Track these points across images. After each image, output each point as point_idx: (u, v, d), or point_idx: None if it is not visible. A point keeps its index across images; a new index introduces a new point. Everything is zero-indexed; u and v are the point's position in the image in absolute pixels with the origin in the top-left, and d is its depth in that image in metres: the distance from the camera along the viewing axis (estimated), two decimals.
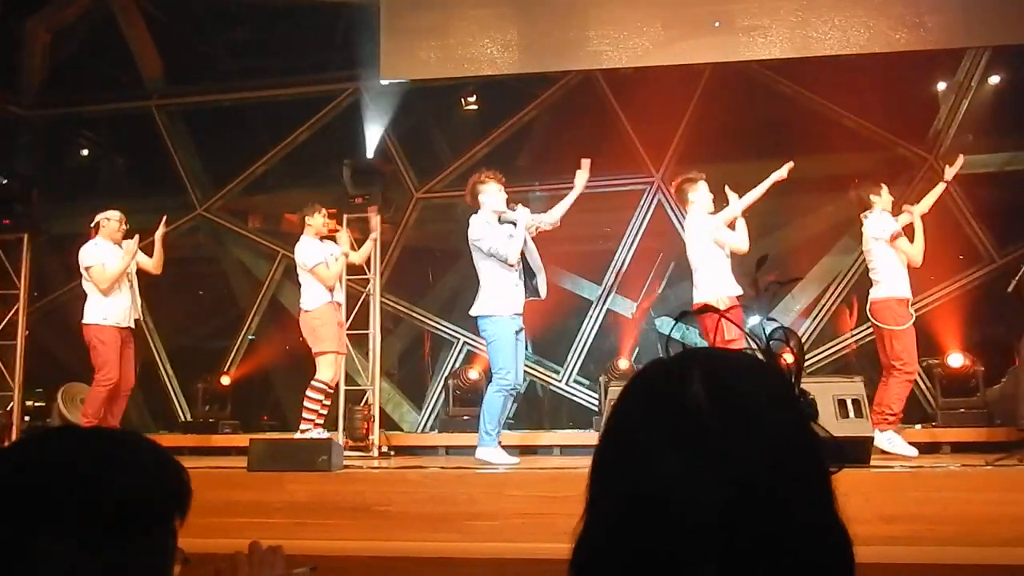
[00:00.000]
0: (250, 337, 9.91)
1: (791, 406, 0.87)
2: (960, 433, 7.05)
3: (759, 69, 8.57)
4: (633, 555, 0.80)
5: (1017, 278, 5.87)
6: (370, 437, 7.85)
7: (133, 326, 6.69)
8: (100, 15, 10.39)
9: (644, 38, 8.21)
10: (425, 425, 9.02)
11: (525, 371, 6.38)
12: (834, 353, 8.49)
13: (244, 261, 10.35)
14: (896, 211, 6.22)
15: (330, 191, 8.65)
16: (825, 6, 7.93)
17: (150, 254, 6.96)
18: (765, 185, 6.10)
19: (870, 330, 6.27)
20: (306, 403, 6.49)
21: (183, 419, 9.42)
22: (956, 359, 7.45)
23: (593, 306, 9.11)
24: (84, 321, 6.51)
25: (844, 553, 0.83)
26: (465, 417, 7.96)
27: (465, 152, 9.51)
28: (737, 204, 6.03)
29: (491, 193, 6.02)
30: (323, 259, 6.59)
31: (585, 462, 0.88)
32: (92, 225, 6.72)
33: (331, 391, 6.71)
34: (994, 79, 8.66)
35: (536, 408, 9.48)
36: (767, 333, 0.91)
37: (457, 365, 9.02)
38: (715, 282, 5.86)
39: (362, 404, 8.05)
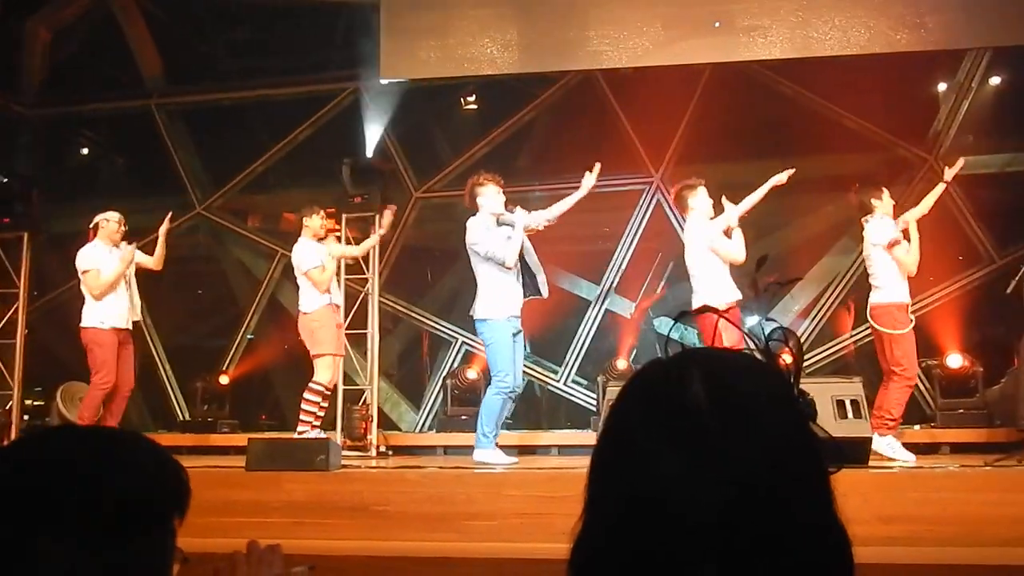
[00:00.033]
0: (249, 336, 9.91)
1: (791, 406, 0.86)
2: (959, 434, 7.05)
3: (759, 69, 8.57)
4: (632, 555, 0.80)
5: (1017, 279, 5.88)
6: (368, 437, 7.86)
7: (131, 328, 6.68)
8: (100, 14, 10.38)
9: (644, 38, 8.21)
10: (423, 425, 9.02)
11: (524, 371, 6.38)
12: (833, 354, 8.49)
13: (243, 260, 10.35)
14: (898, 214, 6.20)
15: (329, 190, 8.66)
16: (825, 6, 7.93)
17: (150, 253, 6.96)
18: (763, 190, 6.10)
19: (869, 331, 6.27)
20: (303, 405, 6.47)
21: (182, 418, 9.42)
22: (955, 360, 7.45)
23: (592, 306, 9.11)
24: (82, 324, 6.50)
25: (843, 553, 0.83)
26: (463, 417, 7.96)
27: (464, 152, 9.51)
28: (734, 211, 6.03)
29: (489, 195, 6.01)
30: (319, 262, 6.56)
31: (583, 462, 0.88)
32: (91, 226, 6.70)
33: (329, 393, 6.70)
34: (995, 80, 8.66)
35: (534, 408, 9.48)
36: (766, 333, 0.91)
37: (455, 365, 9.01)
38: (713, 289, 5.86)
39: (360, 404, 8.06)
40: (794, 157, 8.50)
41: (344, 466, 5.81)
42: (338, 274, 7.39)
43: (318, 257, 6.58)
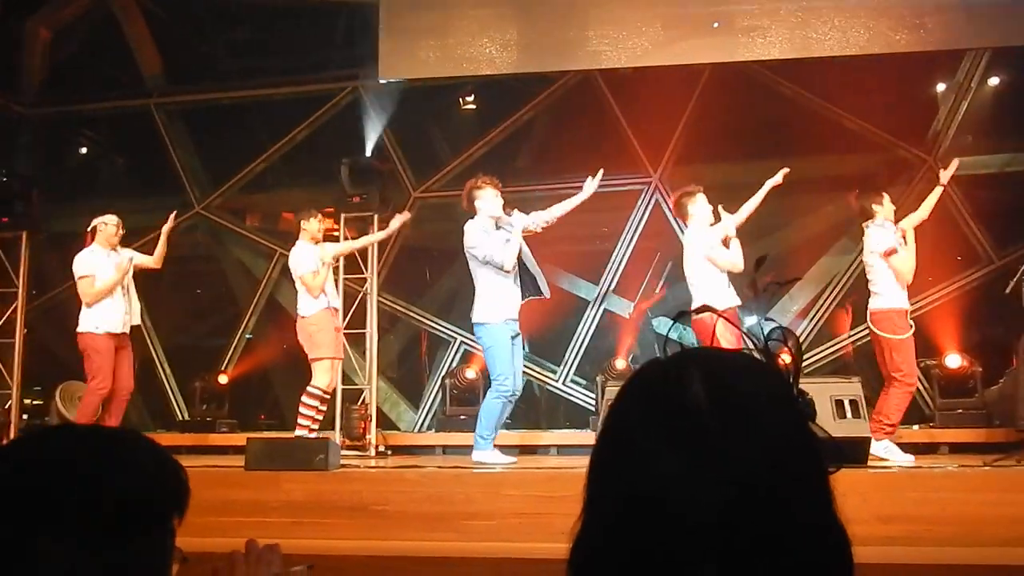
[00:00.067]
0: (248, 336, 9.90)
1: (791, 406, 0.86)
2: (958, 434, 7.06)
3: (759, 70, 8.57)
4: (631, 555, 0.80)
5: (1016, 279, 5.88)
6: (367, 436, 7.86)
7: (128, 332, 6.65)
8: (100, 14, 10.38)
9: (643, 38, 8.21)
10: (422, 424, 9.02)
11: (523, 371, 6.38)
12: (832, 354, 8.50)
13: (242, 260, 10.34)
14: (899, 217, 6.19)
15: (328, 190, 8.66)
16: (825, 7, 7.93)
17: (150, 252, 6.95)
18: (760, 195, 6.09)
19: (867, 331, 6.27)
20: (301, 408, 6.46)
21: (181, 418, 9.41)
22: (954, 360, 7.46)
23: (590, 306, 9.11)
24: (78, 329, 6.49)
25: (843, 553, 0.83)
26: (462, 416, 7.97)
27: (463, 152, 9.51)
28: (732, 220, 6.04)
29: (487, 198, 6.00)
30: (314, 267, 6.52)
31: (582, 462, 0.88)
32: (88, 230, 6.68)
33: (327, 397, 6.67)
34: (994, 80, 8.66)
35: (533, 408, 9.48)
36: (765, 333, 0.91)
37: (454, 365, 9.02)
38: (711, 295, 5.85)
39: (359, 403, 8.06)
40: (793, 158, 8.49)
41: (343, 466, 5.81)
42: (336, 274, 7.38)
43: (313, 262, 6.53)
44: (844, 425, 5.24)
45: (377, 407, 8.23)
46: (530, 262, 6.01)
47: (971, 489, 4.68)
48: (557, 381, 8.98)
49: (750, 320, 6.91)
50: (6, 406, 8.00)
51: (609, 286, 9.09)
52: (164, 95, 10.31)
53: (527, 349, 7.79)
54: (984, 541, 4.17)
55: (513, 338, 5.90)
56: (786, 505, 0.80)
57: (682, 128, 8.82)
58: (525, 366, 6.97)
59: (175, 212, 7.23)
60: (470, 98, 10.01)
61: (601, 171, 6.23)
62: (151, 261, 6.88)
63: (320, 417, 6.61)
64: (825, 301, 8.55)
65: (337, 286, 7.50)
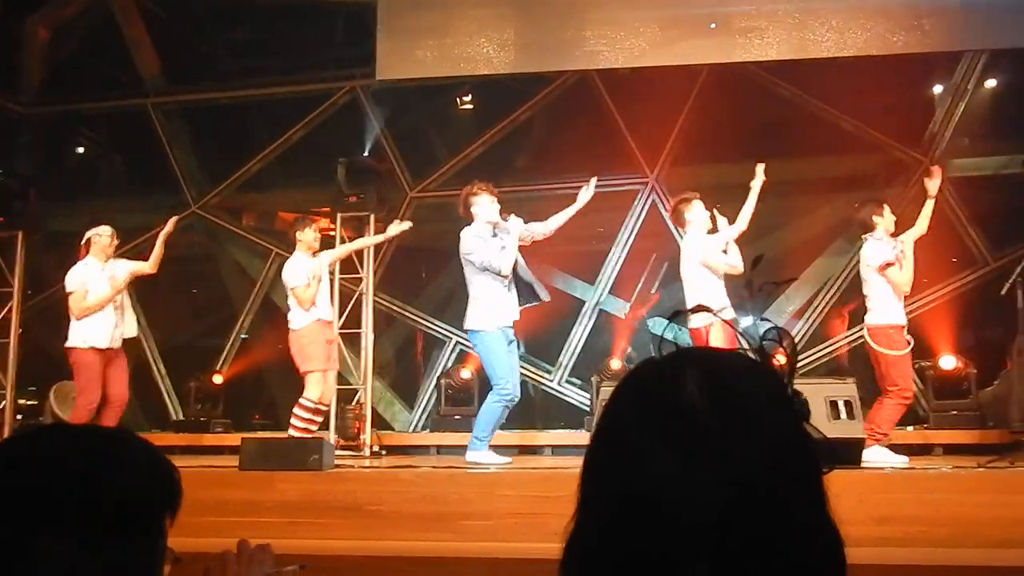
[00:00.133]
0: (243, 336, 9.89)
1: (788, 406, 0.86)
2: (952, 435, 7.07)
3: (756, 71, 8.57)
4: (625, 555, 0.80)
5: (1011, 281, 5.88)
6: (362, 436, 7.85)
7: (119, 346, 6.58)
8: (99, 14, 10.37)
9: (641, 39, 8.22)
10: (417, 424, 9.02)
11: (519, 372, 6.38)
12: (827, 355, 8.51)
13: (238, 259, 10.33)
14: (899, 225, 6.17)
15: (325, 190, 8.65)
16: (823, 8, 7.94)
17: (147, 253, 6.91)
18: (753, 198, 6.08)
19: (862, 333, 6.27)
20: (293, 420, 6.40)
21: (175, 418, 9.40)
22: (948, 361, 7.47)
23: (586, 306, 9.12)
24: (66, 344, 6.46)
25: (836, 554, 0.82)
26: (457, 417, 7.97)
27: (460, 152, 9.50)
28: (732, 231, 6.03)
29: (483, 204, 6.00)
30: (305, 280, 6.44)
31: (577, 462, 0.88)
32: (83, 243, 6.61)
33: (322, 408, 6.63)
34: (990, 83, 8.68)
35: (528, 408, 9.47)
36: (760, 333, 0.91)
37: (449, 364, 9.02)
38: (707, 303, 5.85)
39: (354, 403, 8.05)
40: (790, 159, 8.51)
41: (338, 466, 5.80)
42: (332, 274, 7.35)
43: (305, 275, 6.46)
44: (838, 426, 5.24)
45: (372, 407, 8.22)
46: (524, 270, 6.02)
47: (965, 490, 4.69)
48: (552, 381, 8.98)
49: (746, 320, 6.91)
50: (0, 406, 7.98)
51: (605, 286, 9.10)
52: (162, 95, 10.29)
53: (522, 349, 7.80)
54: (978, 542, 4.17)
55: (508, 343, 5.90)
56: (784, 505, 0.80)
57: (679, 129, 8.83)
58: (520, 366, 6.97)
59: (175, 218, 7.11)
60: (467, 98, 10.01)
61: (595, 180, 6.25)
62: (146, 267, 6.81)
63: (314, 428, 6.57)
64: (821, 302, 8.56)
65: (333, 286, 7.48)
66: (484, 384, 6.19)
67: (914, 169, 8.36)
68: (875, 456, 5.61)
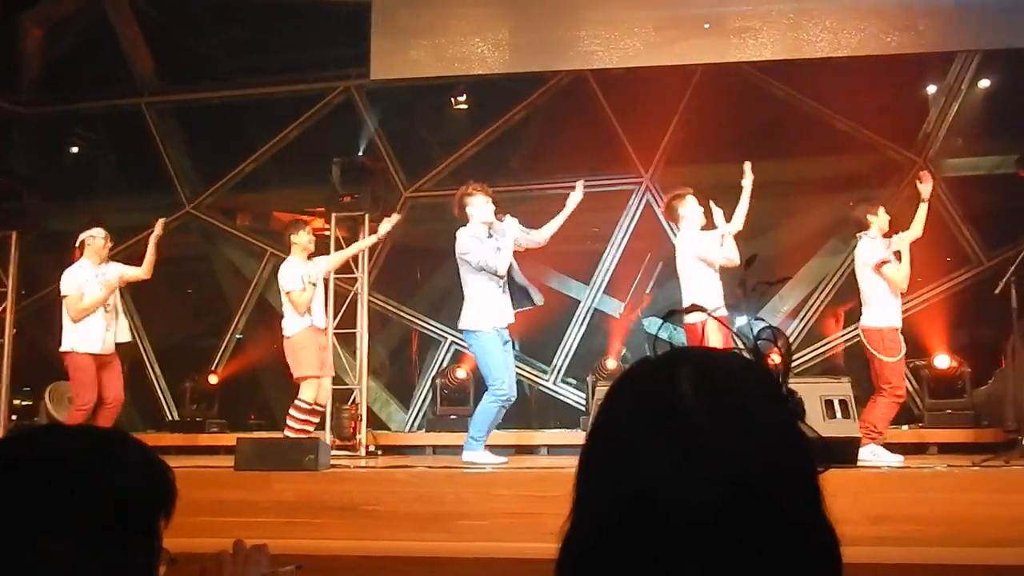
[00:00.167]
0: (238, 336, 9.88)
1: (783, 405, 0.86)
2: (947, 434, 7.09)
3: (750, 71, 8.59)
4: (620, 555, 0.80)
5: (1005, 280, 5.90)
6: (357, 436, 7.84)
7: (112, 350, 6.57)
8: (93, 12, 10.34)
9: (635, 39, 8.22)
10: (412, 424, 9.01)
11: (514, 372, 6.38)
12: (822, 354, 8.52)
13: (233, 259, 10.31)
14: (893, 226, 6.16)
15: (319, 189, 8.64)
16: (816, 8, 7.95)
17: (139, 257, 6.89)
18: (745, 197, 6.07)
19: (857, 332, 6.29)
20: (289, 421, 6.40)
21: (170, 418, 9.38)
22: (943, 360, 7.49)
23: (581, 306, 9.12)
24: (61, 348, 6.46)
25: (831, 553, 0.83)
26: (452, 416, 7.96)
27: (455, 151, 9.49)
28: (729, 228, 6.03)
29: (478, 205, 6.00)
30: (300, 284, 6.43)
31: (573, 462, 0.88)
32: (76, 245, 6.61)
33: (317, 409, 6.63)
34: (984, 83, 8.70)
35: (524, 408, 9.45)
36: (754, 333, 0.91)
37: (445, 364, 9.01)
38: (703, 298, 5.86)
39: (349, 403, 8.04)
40: (785, 159, 8.52)
41: (333, 466, 5.80)
42: (327, 274, 7.34)
43: (300, 279, 6.45)
44: (834, 425, 5.25)
45: (367, 407, 8.21)
46: (517, 274, 6.02)
47: (960, 489, 4.71)
48: (547, 381, 8.98)
49: (740, 320, 6.92)
50: None
51: (600, 286, 9.10)
52: (156, 94, 10.27)
53: (517, 349, 7.79)
54: (973, 541, 4.18)
55: (504, 344, 5.90)
56: (779, 505, 0.80)
57: (673, 129, 8.83)
58: (515, 366, 6.97)
59: (162, 220, 7.08)
60: (462, 98, 10.00)
61: (582, 183, 6.24)
62: (140, 272, 6.80)
63: (311, 429, 6.56)
64: (815, 301, 8.58)
65: (328, 286, 7.47)
66: (479, 384, 6.19)
67: (908, 169, 8.38)
68: (871, 455, 5.63)
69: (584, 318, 9.04)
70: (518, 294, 6.02)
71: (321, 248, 7.23)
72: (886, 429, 5.86)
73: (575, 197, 6.16)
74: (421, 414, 8.97)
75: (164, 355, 9.83)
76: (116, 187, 10.95)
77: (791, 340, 0.93)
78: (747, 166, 6.14)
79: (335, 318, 7.84)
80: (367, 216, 8.12)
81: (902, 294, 6.03)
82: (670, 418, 0.82)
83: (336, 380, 7.96)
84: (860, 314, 6.04)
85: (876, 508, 4.32)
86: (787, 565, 0.79)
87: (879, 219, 5.98)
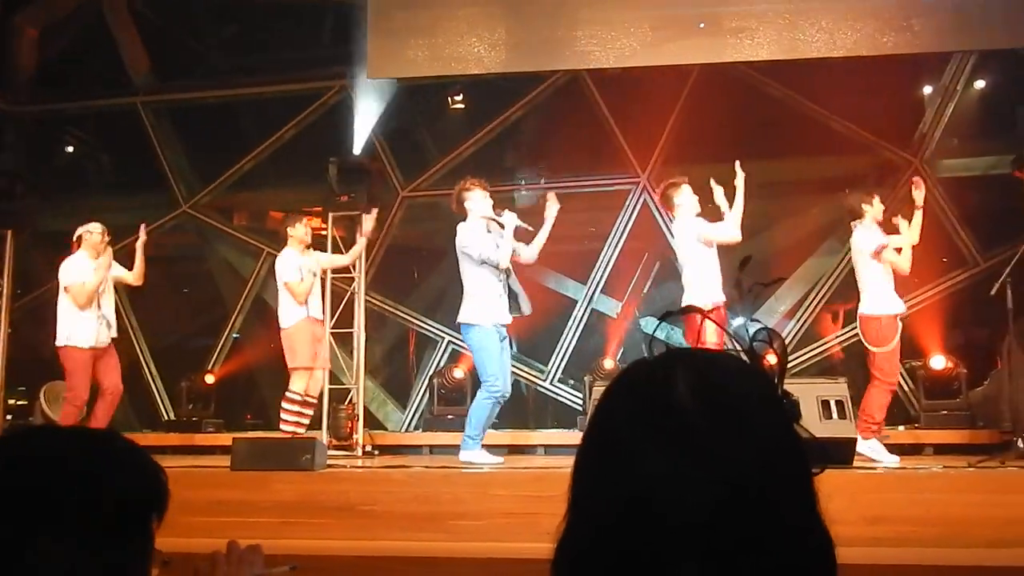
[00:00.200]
0: (234, 336, 9.87)
1: (779, 406, 0.86)
2: (943, 435, 7.09)
3: (746, 71, 8.59)
4: (616, 555, 0.80)
5: (1001, 281, 5.90)
6: (354, 436, 7.84)
7: (106, 344, 6.58)
8: (88, 12, 10.32)
9: (632, 39, 8.22)
10: (409, 424, 9.01)
11: (510, 371, 6.38)
12: (818, 354, 8.53)
13: (229, 259, 10.30)
14: (887, 222, 6.16)
15: (316, 189, 8.64)
16: (812, 9, 7.96)
17: (128, 260, 6.88)
18: (740, 197, 6.04)
19: (854, 332, 6.29)
20: (283, 415, 6.49)
21: (166, 418, 9.37)
22: (939, 361, 7.49)
23: (578, 306, 9.12)
24: (56, 343, 6.47)
25: (826, 555, 0.82)
26: (449, 416, 7.95)
27: (452, 151, 9.49)
28: (732, 220, 6.02)
29: (477, 199, 6.01)
30: (298, 274, 6.49)
31: (570, 462, 0.88)
32: (74, 239, 6.62)
33: (310, 400, 6.66)
34: (979, 83, 8.71)
35: (521, 408, 9.47)
36: (751, 334, 0.91)
37: (442, 364, 9.00)
38: (705, 283, 5.87)
39: (346, 403, 8.04)
40: (781, 159, 8.52)
41: (330, 466, 5.80)
42: (324, 273, 7.35)
43: (298, 269, 6.50)
44: (830, 426, 5.27)
45: (364, 407, 8.21)
46: (513, 278, 6.03)
47: (956, 490, 4.71)
48: (545, 381, 8.98)
49: (736, 321, 6.93)
50: None
51: (597, 286, 9.10)
52: (151, 93, 10.26)
53: (515, 349, 7.79)
54: (969, 542, 4.19)
55: (501, 340, 5.90)
56: (774, 506, 0.80)
57: (670, 128, 8.84)
58: (512, 366, 6.98)
59: (143, 224, 7.07)
60: (459, 97, 10.00)
61: (554, 195, 6.18)
62: (131, 277, 6.84)
63: (305, 421, 6.59)
64: (812, 302, 8.58)
65: (325, 286, 7.48)
66: (477, 383, 6.18)
67: (904, 169, 8.39)
68: (869, 450, 5.63)
69: (581, 318, 9.04)
70: (510, 299, 6.03)
71: (318, 247, 7.25)
72: (883, 418, 5.84)
73: (552, 209, 6.09)
74: (418, 414, 8.97)
75: (160, 355, 9.82)
76: (111, 186, 10.94)
77: (788, 341, 0.93)
78: (737, 165, 6.13)
79: (332, 318, 7.84)
80: (364, 216, 8.12)
81: (897, 280, 5.98)
82: (667, 418, 0.82)
83: (333, 380, 7.98)
84: (857, 314, 6.04)
85: (872, 509, 4.32)
86: (783, 567, 0.79)
87: (873, 209, 5.99)
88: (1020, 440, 5.71)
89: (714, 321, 1.09)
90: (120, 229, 6.97)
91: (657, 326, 0.97)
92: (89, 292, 6.41)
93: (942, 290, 8.25)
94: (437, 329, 9.29)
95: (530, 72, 9.01)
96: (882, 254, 5.83)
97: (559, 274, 9.45)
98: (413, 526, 4.73)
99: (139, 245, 6.86)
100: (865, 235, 5.93)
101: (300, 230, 6.66)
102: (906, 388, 7.77)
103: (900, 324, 5.89)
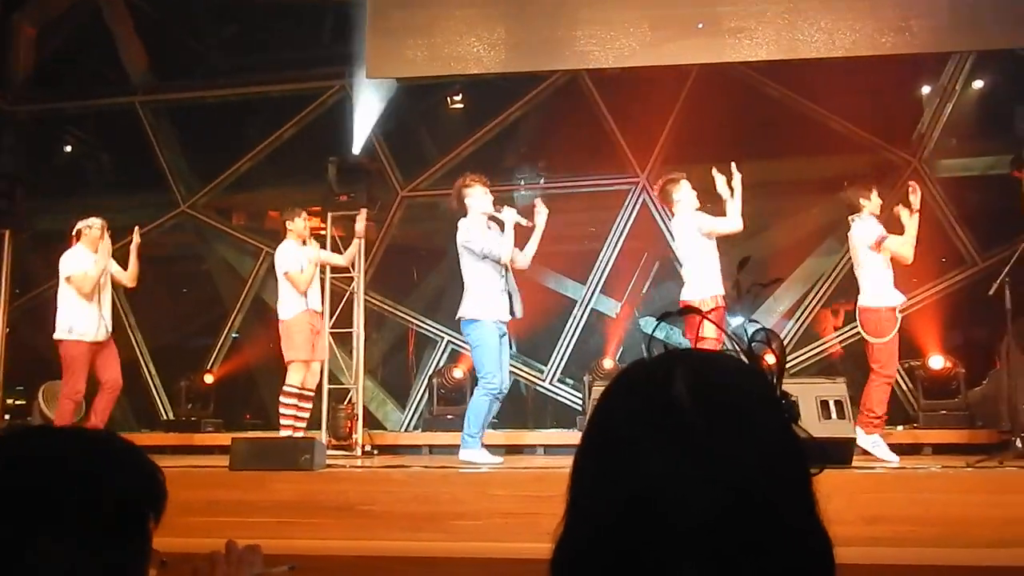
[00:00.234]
0: (234, 335, 9.87)
1: (777, 406, 0.86)
2: (942, 435, 7.09)
3: (746, 71, 8.60)
4: (616, 555, 0.80)
5: (999, 281, 5.91)
6: (353, 436, 7.84)
7: (106, 337, 6.59)
8: (86, 11, 10.32)
9: (631, 38, 8.22)
10: (409, 424, 9.01)
11: (510, 370, 6.38)
12: (818, 354, 8.53)
13: (228, 259, 10.30)
14: (892, 218, 6.15)
15: (315, 189, 8.63)
16: (811, 9, 7.96)
17: (124, 262, 6.89)
18: (738, 197, 6.02)
19: (853, 332, 6.30)
20: (281, 409, 6.54)
21: (165, 417, 9.37)
22: (938, 361, 7.49)
23: (578, 306, 9.12)
24: (54, 336, 6.48)
25: (825, 556, 0.83)
26: (449, 416, 7.95)
27: (451, 151, 9.50)
28: (730, 213, 6.02)
29: (477, 196, 6.02)
30: (298, 264, 6.53)
31: (569, 462, 0.88)
32: (73, 233, 6.65)
33: (307, 394, 6.68)
34: (978, 83, 8.72)
35: (520, 407, 9.48)
36: (749, 335, 0.91)
37: (441, 364, 9.01)
38: (705, 278, 5.88)
39: (345, 403, 8.04)
40: (780, 159, 8.52)
41: (329, 465, 5.79)
42: (323, 272, 7.37)
43: (298, 260, 6.56)
44: (829, 426, 5.26)
45: (363, 406, 8.20)
46: (511, 280, 6.03)
47: (955, 490, 4.71)
48: (544, 381, 8.98)
49: (735, 321, 6.93)
50: None
51: (597, 286, 9.10)
52: (150, 93, 10.26)
53: (514, 349, 7.79)
54: (968, 542, 4.19)
55: (500, 337, 5.90)
56: (772, 507, 0.80)
57: (669, 128, 8.84)
58: (512, 365, 6.98)
59: (137, 228, 7.09)
60: (458, 97, 10.01)
61: (541, 202, 6.15)
62: (125, 279, 6.86)
63: (303, 415, 6.61)
64: (811, 302, 8.58)
65: (324, 285, 7.49)
66: (476, 383, 6.18)
67: (903, 169, 8.40)
68: (872, 445, 5.63)
69: (581, 318, 9.04)
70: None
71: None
72: (885, 413, 5.84)
73: (541, 216, 6.07)
74: (417, 414, 8.97)
75: (159, 354, 9.81)
76: (110, 186, 10.93)
77: (786, 341, 0.93)
78: (732, 167, 6.12)
79: (331, 317, 7.84)
80: (366, 215, 8.12)
81: (896, 280, 5.98)
82: (666, 418, 0.82)
83: (332, 379, 7.98)
84: (856, 314, 6.05)
85: (871, 509, 4.32)
86: (782, 567, 0.79)
87: (871, 203, 6.00)
88: (1018, 440, 5.71)
89: (712, 322, 1.09)
90: (119, 229, 6.97)
91: (656, 326, 0.97)
92: (92, 280, 6.43)
93: (940, 290, 8.26)
94: (436, 329, 9.29)
95: (529, 72, 9.01)
96: (883, 244, 5.83)
97: (559, 274, 9.45)
98: (412, 526, 4.72)
99: (133, 247, 6.89)
100: (865, 227, 5.94)
101: (299, 224, 6.73)
102: (905, 388, 7.77)
103: (899, 317, 5.89)
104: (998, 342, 6.62)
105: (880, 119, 8.48)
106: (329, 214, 8.29)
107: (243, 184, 10.18)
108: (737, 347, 0.91)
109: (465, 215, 6.03)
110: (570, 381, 8.98)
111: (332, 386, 7.97)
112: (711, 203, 6.16)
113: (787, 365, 0.91)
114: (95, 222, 6.63)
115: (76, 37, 10.55)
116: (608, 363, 8.45)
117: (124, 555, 1.00)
